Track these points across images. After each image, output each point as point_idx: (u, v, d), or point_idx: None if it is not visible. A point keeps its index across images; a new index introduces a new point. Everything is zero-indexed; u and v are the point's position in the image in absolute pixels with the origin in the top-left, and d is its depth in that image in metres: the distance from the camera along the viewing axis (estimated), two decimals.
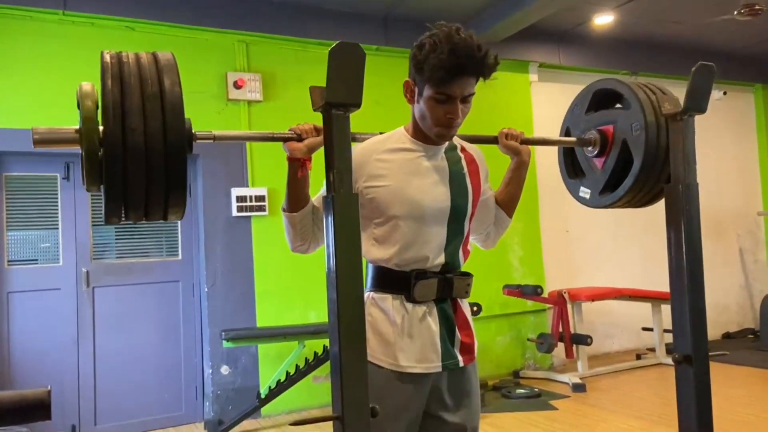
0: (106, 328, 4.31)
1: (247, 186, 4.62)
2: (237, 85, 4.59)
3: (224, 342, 4.19)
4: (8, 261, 4.13)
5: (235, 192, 4.55)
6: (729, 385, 4.72)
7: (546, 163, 5.03)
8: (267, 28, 4.73)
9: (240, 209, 4.55)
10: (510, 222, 1.89)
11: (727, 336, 6.68)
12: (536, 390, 4.78)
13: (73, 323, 4.24)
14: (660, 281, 5.88)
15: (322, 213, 1.58)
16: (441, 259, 1.61)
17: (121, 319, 4.37)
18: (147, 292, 4.48)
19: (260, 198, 4.59)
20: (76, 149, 1.23)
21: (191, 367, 4.57)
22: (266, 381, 4.45)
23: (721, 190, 6.72)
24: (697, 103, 1.60)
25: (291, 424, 1.28)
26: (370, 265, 1.63)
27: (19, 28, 4.07)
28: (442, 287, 1.60)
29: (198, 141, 1.39)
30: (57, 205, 4.27)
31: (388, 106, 4.13)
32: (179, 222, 4.64)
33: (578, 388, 4.81)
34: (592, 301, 5.32)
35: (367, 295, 1.62)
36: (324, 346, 4.31)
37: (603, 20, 5.51)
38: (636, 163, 1.73)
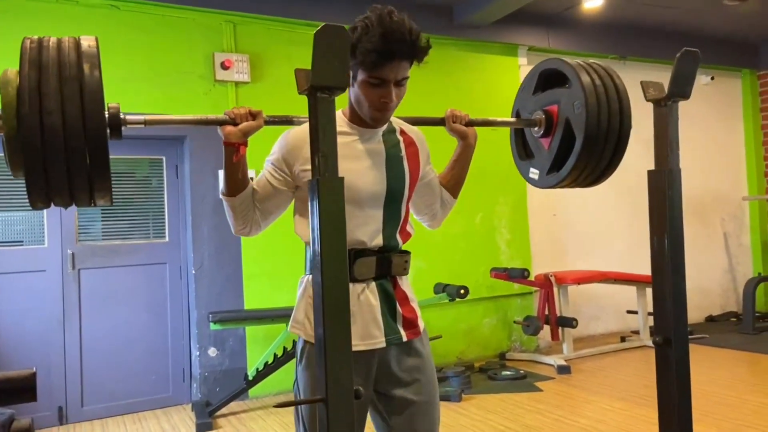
0: (92, 310, 4.30)
1: None
2: (224, 66, 4.54)
3: (212, 324, 4.20)
4: None
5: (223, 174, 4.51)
6: (711, 367, 4.80)
7: None
8: (254, 8, 4.67)
9: None
10: (455, 202, 1.89)
11: (710, 319, 6.78)
12: (522, 372, 4.83)
13: (59, 305, 4.22)
14: (645, 265, 5.93)
15: (260, 196, 1.61)
16: (378, 241, 1.63)
17: (107, 301, 4.36)
18: (134, 274, 4.46)
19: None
20: None
21: (178, 349, 4.58)
22: (254, 363, 4.46)
23: (707, 175, 6.78)
24: (681, 88, 1.61)
25: (276, 406, 1.28)
26: (309, 247, 1.64)
27: (0, 7, 4.00)
28: (381, 265, 1.62)
29: (129, 126, 1.38)
30: None
31: None
32: (166, 204, 4.61)
33: (563, 370, 4.87)
34: (578, 284, 5.37)
35: (308, 277, 1.66)
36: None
37: (592, 4, 5.50)
38: (578, 142, 1.73)
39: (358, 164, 1.60)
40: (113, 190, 1.32)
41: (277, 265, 4.67)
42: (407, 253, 1.70)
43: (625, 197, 6.22)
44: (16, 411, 1.93)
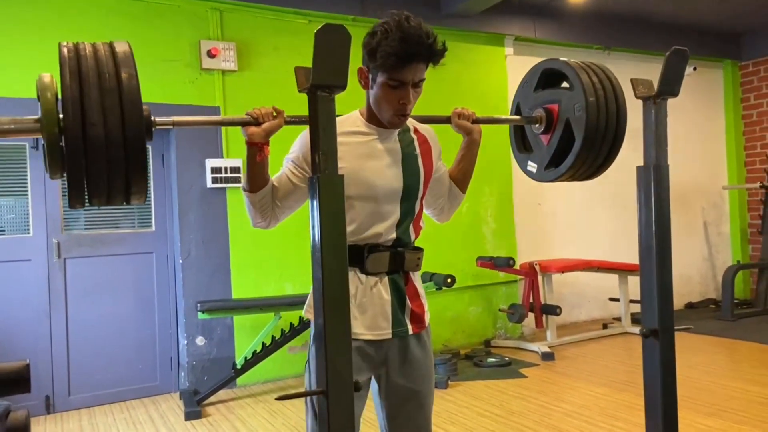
0: (78, 299, 4.29)
1: (222, 157, 4.58)
2: (211, 54, 4.51)
3: (200, 314, 4.21)
4: None
5: (210, 163, 4.51)
6: (691, 353, 4.92)
7: None
8: None
9: (215, 180, 4.52)
10: (463, 197, 1.97)
11: (689, 306, 6.92)
12: (507, 359, 4.91)
13: (44, 295, 4.20)
14: (627, 253, 6.07)
15: (281, 192, 1.66)
16: (393, 235, 1.70)
17: (94, 290, 4.34)
18: (120, 264, 4.45)
19: (236, 169, 4.56)
20: None
21: (166, 338, 4.58)
22: (242, 351, 4.49)
23: (688, 164, 6.88)
24: (670, 87, 1.65)
25: (277, 399, 1.31)
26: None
27: None
28: (394, 260, 1.70)
29: (157, 128, 1.41)
30: (26, 175, 4.19)
31: None
32: (152, 193, 4.59)
33: (547, 356, 4.95)
34: (562, 272, 5.45)
35: None
36: (300, 317, 4.35)
37: None
38: (577, 142, 1.80)
39: (377, 163, 1.66)
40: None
41: (265, 254, 4.68)
42: (420, 249, 1.77)
43: (608, 187, 6.30)
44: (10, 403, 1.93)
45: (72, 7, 4.14)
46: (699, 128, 7.15)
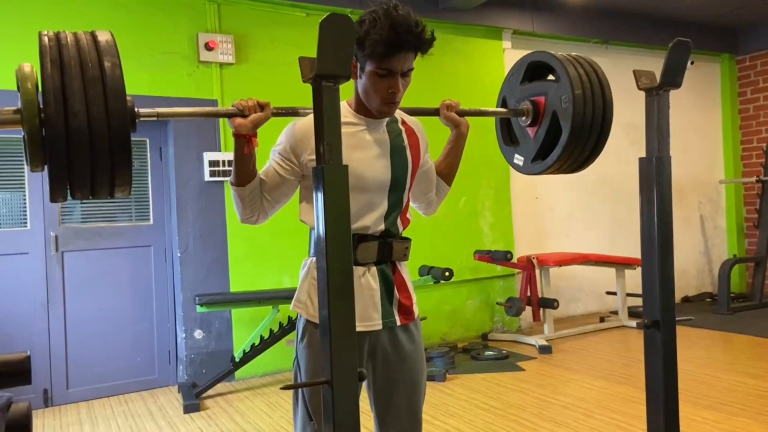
0: (76, 292, 4.28)
1: (220, 150, 4.57)
2: (208, 47, 4.49)
3: (198, 307, 4.20)
4: None
5: (208, 156, 4.50)
6: (688, 347, 4.94)
7: None
8: None
9: (213, 174, 4.51)
10: (449, 190, 1.97)
11: (686, 300, 6.95)
12: (504, 352, 4.93)
13: (42, 288, 4.19)
14: (624, 247, 6.09)
15: (268, 185, 1.65)
16: (381, 227, 1.69)
17: (92, 283, 4.33)
18: (118, 257, 4.44)
19: (232, 166, 4.54)
20: None
21: (164, 332, 4.58)
22: (240, 345, 4.49)
23: (685, 158, 6.90)
24: (672, 78, 1.65)
25: (282, 388, 1.32)
26: (313, 231, 1.69)
27: None
28: (382, 250, 1.69)
29: (141, 119, 1.38)
30: (23, 168, 4.17)
31: None
32: (150, 186, 4.58)
33: (545, 349, 4.97)
34: (560, 266, 5.47)
35: (311, 260, 1.71)
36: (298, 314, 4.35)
37: None
38: (564, 134, 1.80)
39: (365, 153, 1.66)
40: None
41: (263, 248, 4.68)
42: (408, 239, 1.76)
43: (605, 181, 6.33)
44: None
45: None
46: (696, 122, 7.17)
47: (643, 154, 1.77)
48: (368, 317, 1.67)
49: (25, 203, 4.18)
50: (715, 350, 5.00)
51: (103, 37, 1.26)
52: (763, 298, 6.42)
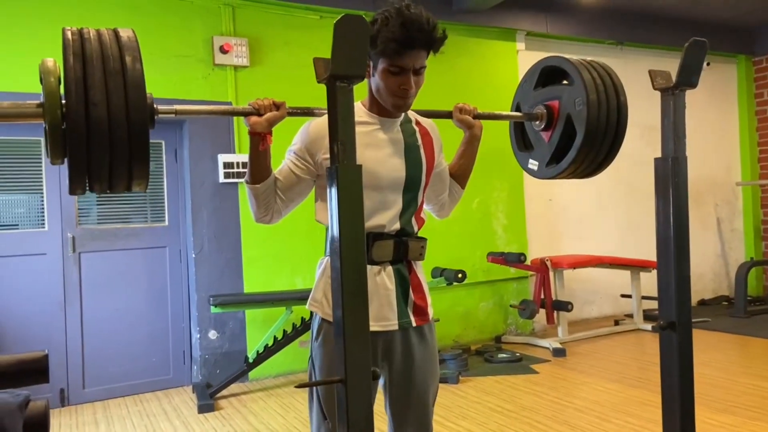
0: (93, 293, 4.32)
1: (234, 152, 4.60)
2: (223, 50, 4.53)
3: (212, 307, 4.23)
4: None
5: (222, 158, 4.53)
6: (704, 350, 4.89)
7: None
8: None
9: (227, 176, 4.54)
10: (462, 192, 1.97)
11: (702, 303, 6.88)
12: (518, 354, 4.91)
13: (59, 288, 4.24)
14: (639, 249, 6.05)
15: (283, 184, 1.66)
16: (396, 225, 1.70)
17: (108, 284, 4.38)
18: (134, 258, 4.48)
19: (247, 165, 4.57)
20: None
21: (179, 332, 4.61)
22: (254, 345, 4.51)
23: (701, 160, 6.84)
24: (688, 78, 1.64)
25: (297, 387, 1.33)
26: (329, 231, 1.69)
27: None
28: (398, 249, 1.69)
29: (160, 115, 1.40)
30: (41, 170, 4.22)
31: None
32: (165, 188, 4.62)
33: (558, 352, 4.94)
34: (574, 268, 5.44)
35: (328, 259, 1.71)
36: (311, 311, 4.36)
37: None
38: (578, 138, 1.80)
39: (379, 152, 1.66)
40: None
41: (276, 249, 4.70)
42: (423, 239, 1.76)
43: (620, 183, 6.29)
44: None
45: (86, 2, 4.17)
46: (712, 124, 7.10)
47: (659, 156, 1.76)
48: (383, 317, 1.67)
49: (42, 205, 4.23)
50: (732, 354, 4.94)
51: (125, 33, 1.29)
52: None
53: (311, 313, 1.77)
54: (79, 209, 4.33)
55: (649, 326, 5.64)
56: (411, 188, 1.71)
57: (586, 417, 3.54)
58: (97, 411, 4.11)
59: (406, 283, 1.72)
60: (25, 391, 1.86)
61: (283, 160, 1.72)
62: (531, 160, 2.01)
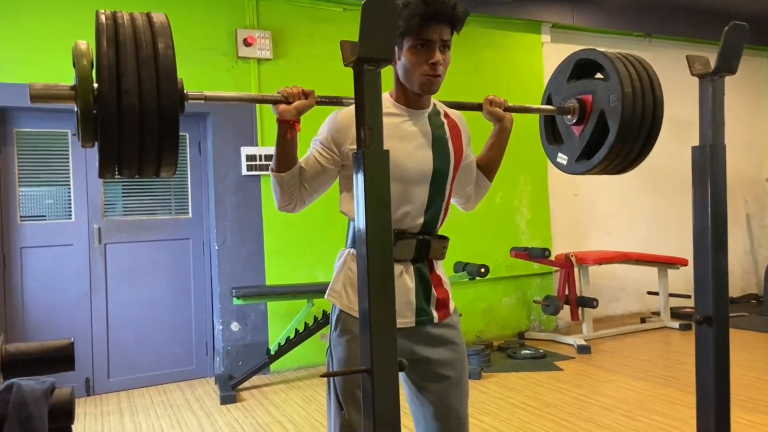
0: (118, 284, 4.36)
1: (257, 145, 4.60)
2: (247, 43, 4.53)
3: (234, 299, 4.24)
4: (21, 217, 4.16)
5: (245, 151, 4.54)
6: (733, 349, 4.73)
7: None
8: None
9: (250, 168, 4.54)
10: (490, 186, 1.94)
11: (731, 301, 6.73)
12: (541, 351, 4.84)
13: (85, 279, 4.28)
14: (666, 246, 5.93)
15: (308, 174, 1.64)
16: (420, 219, 1.67)
17: (132, 275, 4.41)
18: (158, 249, 4.51)
19: (270, 157, 4.53)
20: None
21: (202, 324, 4.64)
22: (275, 337, 4.52)
23: (730, 155, 6.46)
24: (728, 63, 1.58)
25: (321, 376, 1.31)
26: (352, 223, 1.68)
27: None
28: (420, 248, 1.67)
29: (190, 101, 1.41)
30: (68, 162, 4.27)
31: None
32: (189, 181, 4.64)
33: (583, 349, 4.87)
34: (599, 264, 5.35)
35: (349, 251, 1.70)
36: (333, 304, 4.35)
37: None
38: (612, 134, 1.75)
39: (407, 144, 1.64)
40: None
41: (298, 242, 4.70)
42: (446, 238, 1.74)
43: (647, 178, 6.17)
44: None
45: None
46: (741, 119, 6.93)
47: (689, 149, 1.70)
48: (401, 315, 1.64)
49: (69, 197, 4.28)
50: (761, 353, 4.82)
51: (158, 18, 1.29)
52: None
53: (332, 304, 1.75)
54: (105, 201, 4.37)
55: (676, 324, 5.53)
56: (438, 181, 1.69)
57: (612, 415, 3.47)
58: (122, 400, 4.15)
59: (427, 281, 1.70)
60: (50, 378, 1.87)
61: (309, 150, 1.70)
62: (560, 154, 1.97)
